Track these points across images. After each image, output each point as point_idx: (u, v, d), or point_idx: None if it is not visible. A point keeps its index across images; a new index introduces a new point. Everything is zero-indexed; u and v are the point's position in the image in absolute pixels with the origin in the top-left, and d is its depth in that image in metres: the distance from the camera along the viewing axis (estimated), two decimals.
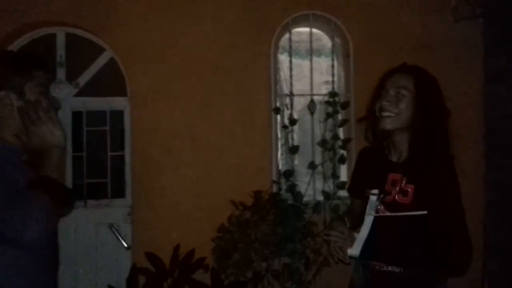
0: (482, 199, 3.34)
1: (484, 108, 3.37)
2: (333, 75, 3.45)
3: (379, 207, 1.62)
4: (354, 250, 1.56)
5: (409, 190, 1.59)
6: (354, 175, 1.89)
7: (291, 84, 3.42)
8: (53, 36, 3.45)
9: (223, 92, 3.35)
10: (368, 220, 1.60)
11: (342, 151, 3.32)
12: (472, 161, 3.34)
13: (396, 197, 1.61)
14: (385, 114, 1.61)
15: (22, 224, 1.22)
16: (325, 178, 3.29)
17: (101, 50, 3.43)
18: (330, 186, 3.28)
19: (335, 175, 3.28)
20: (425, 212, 1.52)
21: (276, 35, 3.38)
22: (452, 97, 3.40)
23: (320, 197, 3.25)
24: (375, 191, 1.64)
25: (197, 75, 3.34)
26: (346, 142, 3.32)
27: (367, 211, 1.63)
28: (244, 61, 3.36)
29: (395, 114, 1.60)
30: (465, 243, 1.52)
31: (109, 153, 3.44)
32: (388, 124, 1.61)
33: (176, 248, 3.03)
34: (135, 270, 2.98)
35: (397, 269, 1.59)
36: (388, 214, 1.60)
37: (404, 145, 1.65)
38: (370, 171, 1.74)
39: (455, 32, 3.41)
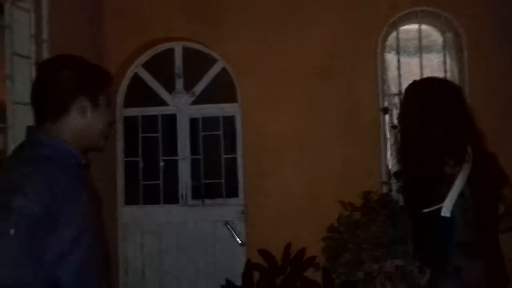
0: None
1: None
2: (445, 71, 3.32)
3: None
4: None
5: None
6: None
7: (399, 83, 3.36)
8: (171, 50, 3.80)
9: (329, 94, 3.41)
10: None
11: None
12: None
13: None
14: None
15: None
16: None
17: (213, 60, 3.69)
18: None
19: None
20: None
21: (382, 34, 3.36)
22: None
23: None
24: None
25: (303, 79, 3.44)
26: None
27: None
28: (350, 63, 3.38)
29: None
30: None
31: (223, 156, 3.70)
32: None
33: (288, 246, 3.17)
34: (250, 266, 3.17)
35: None
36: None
37: None
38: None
39: None
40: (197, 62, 3.78)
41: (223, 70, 3.68)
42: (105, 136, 1.44)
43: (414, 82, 1.89)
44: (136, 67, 3.82)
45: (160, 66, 3.87)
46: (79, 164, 1.35)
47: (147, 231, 3.68)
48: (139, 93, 3.85)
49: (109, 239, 1.58)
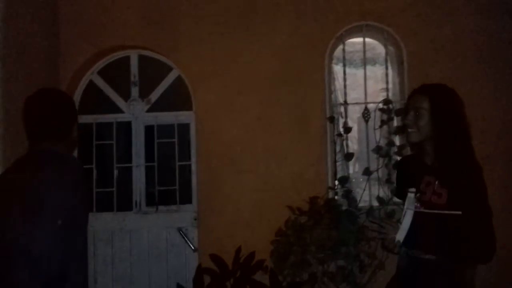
0: None
1: None
2: (387, 82, 3.52)
3: (416, 204, 1.91)
4: (399, 236, 1.90)
5: (442, 193, 1.86)
6: (397, 180, 2.22)
7: (345, 94, 3.53)
8: (127, 58, 3.85)
9: (280, 104, 3.54)
10: (409, 214, 1.92)
11: (397, 157, 3.36)
12: None
13: (432, 198, 1.89)
14: (409, 130, 1.94)
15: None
16: (380, 184, 3.34)
17: (169, 69, 3.77)
18: (385, 192, 3.33)
19: (390, 181, 3.33)
20: (459, 212, 1.82)
21: (330, 47, 3.53)
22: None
23: (376, 203, 3.31)
24: (413, 189, 1.94)
25: (256, 89, 3.57)
26: (401, 149, 3.36)
27: (406, 206, 1.95)
28: (300, 73, 3.53)
29: (417, 130, 1.91)
30: (490, 238, 1.81)
31: (177, 163, 3.76)
32: (411, 138, 1.94)
33: (238, 251, 3.25)
34: (200, 270, 3.23)
35: (433, 257, 1.87)
36: (426, 211, 1.89)
37: (432, 153, 1.94)
38: (408, 173, 2.04)
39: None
40: (152, 70, 3.85)
41: (179, 78, 3.76)
42: None
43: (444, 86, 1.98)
44: (92, 74, 3.85)
45: (116, 73, 3.91)
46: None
47: (100, 239, 3.68)
48: (94, 100, 3.87)
49: None
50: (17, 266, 1.52)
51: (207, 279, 3.22)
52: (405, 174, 2.09)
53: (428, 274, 1.89)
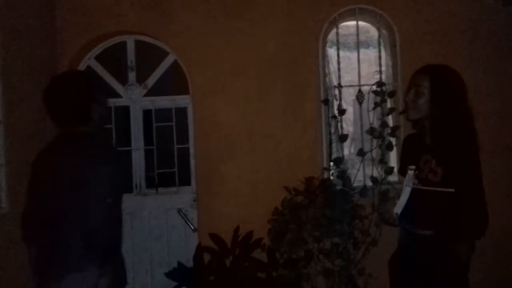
0: None
1: None
2: (380, 65, 3.59)
3: (414, 181, 2.02)
4: (397, 209, 2.05)
5: (438, 171, 1.95)
6: (401, 158, 2.32)
7: (339, 76, 3.61)
8: (124, 44, 3.89)
9: (275, 86, 3.62)
10: (407, 190, 2.03)
11: (390, 138, 3.46)
12: None
13: (428, 175, 1.99)
14: (407, 107, 2.03)
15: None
16: (374, 164, 3.45)
17: (165, 53, 3.82)
18: (379, 172, 3.43)
19: (383, 161, 3.43)
20: (452, 190, 1.92)
21: (323, 30, 3.58)
22: (503, 81, 3.46)
23: (370, 183, 3.42)
24: (412, 167, 2.05)
25: (251, 72, 3.63)
26: (394, 130, 3.44)
27: (405, 183, 2.07)
28: (295, 57, 3.59)
29: (414, 108, 1.98)
30: (483, 214, 1.93)
31: (176, 146, 3.84)
32: (410, 115, 2.02)
33: (236, 230, 3.36)
34: (200, 249, 3.35)
35: (429, 232, 1.98)
36: (422, 187, 1.99)
37: (430, 132, 2.02)
38: (410, 152, 2.17)
39: (504, 17, 3.40)
40: (149, 55, 3.90)
41: (175, 63, 3.81)
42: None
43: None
44: (89, 60, 3.90)
45: (113, 59, 3.95)
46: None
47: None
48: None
49: None
50: (73, 237, 1.75)
51: (207, 258, 3.34)
52: (407, 152, 2.20)
53: (425, 249, 1.98)
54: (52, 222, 1.78)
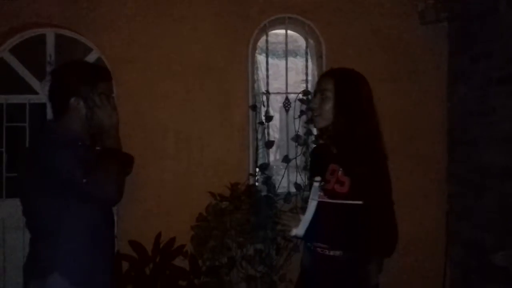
0: (445, 191, 3.58)
1: (448, 106, 3.60)
2: (307, 74, 3.67)
3: (320, 193, 1.79)
4: (299, 230, 1.74)
5: (345, 181, 1.74)
6: (309, 171, 2.13)
7: (267, 83, 3.64)
8: (43, 37, 3.64)
9: (204, 90, 3.56)
10: (312, 205, 1.78)
11: (314, 146, 3.53)
12: (436, 155, 3.59)
13: (335, 187, 1.76)
14: (313, 114, 1.85)
15: (104, 185, 1.64)
16: (298, 171, 3.50)
17: (88, 50, 3.63)
18: (302, 179, 3.49)
19: (307, 168, 3.49)
20: (360, 202, 1.70)
21: (253, 36, 3.59)
22: (418, 95, 3.66)
23: (294, 189, 3.46)
24: (318, 178, 1.83)
25: (179, 74, 3.55)
26: (318, 138, 3.52)
27: (311, 196, 1.82)
28: (224, 61, 3.57)
29: (320, 114, 1.80)
30: (392, 229, 1.69)
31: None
32: (317, 123, 1.84)
33: (158, 236, 3.24)
34: (118, 257, 3.18)
35: (338, 253, 1.75)
36: (329, 200, 1.77)
37: (334, 138, 1.83)
38: (316, 163, 1.97)
39: (422, 35, 3.63)
40: (70, 50, 3.68)
41: (99, 60, 3.63)
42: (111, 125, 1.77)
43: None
44: (3, 52, 3.60)
45: (30, 52, 3.69)
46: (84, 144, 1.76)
47: (9, 227, 3.48)
48: (4, 79, 3.63)
49: None
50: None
51: (125, 266, 3.19)
52: (313, 164, 2.01)
53: (332, 272, 1.76)
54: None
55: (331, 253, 1.76)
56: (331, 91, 1.78)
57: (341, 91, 1.77)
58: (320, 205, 1.78)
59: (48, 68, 3.62)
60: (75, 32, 3.57)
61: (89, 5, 3.48)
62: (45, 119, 3.61)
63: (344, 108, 1.76)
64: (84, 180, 1.60)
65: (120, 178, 1.75)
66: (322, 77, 1.87)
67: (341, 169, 1.77)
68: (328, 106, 1.78)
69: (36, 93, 3.61)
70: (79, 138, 1.75)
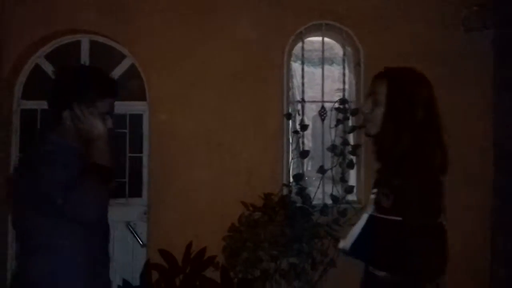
0: (490, 205, 3.38)
1: (493, 117, 3.42)
2: (344, 82, 3.56)
3: (372, 206, 1.63)
4: (345, 243, 1.62)
5: (390, 195, 1.57)
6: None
7: (303, 91, 3.54)
8: (78, 43, 3.65)
9: (237, 98, 3.49)
10: (363, 218, 1.64)
11: (351, 157, 3.41)
12: (481, 167, 3.40)
13: (381, 200, 1.60)
14: (364, 120, 1.67)
15: (83, 206, 1.51)
16: (334, 183, 3.37)
17: (122, 57, 3.61)
18: (339, 190, 3.36)
19: (344, 180, 3.36)
20: (399, 218, 1.52)
21: (289, 44, 3.51)
22: (462, 105, 3.50)
23: (329, 201, 3.34)
24: (374, 190, 1.66)
25: (213, 82, 3.49)
26: (355, 148, 3.40)
27: (366, 209, 1.67)
28: (258, 69, 3.49)
29: (371, 120, 1.63)
30: (438, 250, 1.53)
31: (128, 155, 3.61)
32: (368, 129, 1.65)
33: (189, 246, 3.16)
34: (149, 266, 3.12)
35: (383, 274, 1.57)
36: (377, 215, 1.61)
37: (380, 147, 1.65)
38: (378, 171, 1.74)
39: (465, 42, 3.47)
40: (105, 57, 3.68)
41: (132, 67, 3.61)
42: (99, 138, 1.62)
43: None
44: (38, 58, 3.63)
45: (65, 58, 3.70)
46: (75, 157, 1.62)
47: None
48: (40, 86, 3.64)
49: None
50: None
51: (155, 276, 3.11)
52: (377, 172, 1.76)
53: None
54: None
55: (376, 272, 1.60)
56: (383, 94, 1.59)
57: (394, 94, 1.58)
58: (370, 219, 1.63)
59: None
60: (110, 39, 3.56)
61: (125, 12, 3.47)
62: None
63: (393, 114, 1.57)
64: (60, 201, 1.49)
65: (102, 197, 1.58)
66: (375, 78, 1.67)
67: (387, 181, 1.60)
68: (380, 111, 1.60)
69: None
70: (72, 148, 1.64)
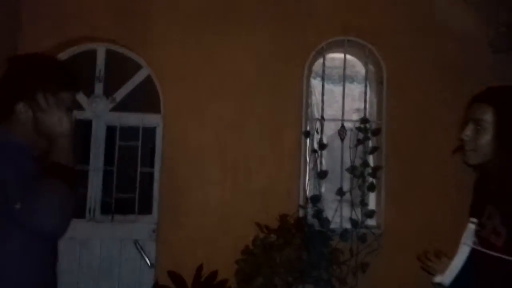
0: None
1: None
2: (365, 101, 3.43)
3: (474, 239, 1.50)
4: (446, 278, 1.52)
5: (502, 232, 1.42)
6: (470, 205, 1.71)
7: (322, 109, 3.41)
8: (94, 52, 3.56)
9: (254, 113, 3.37)
10: (464, 250, 1.52)
11: (371, 179, 3.26)
12: None
13: (490, 236, 1.46)
14: (466, 148, 1.51)
15: (43, 215, 1.29)
16: (353, 206, 3.22)
17: (138, 67, 3.51)
18: (358, 214, 3.21)
19: (363, 203, 3.21)
20: None
21: (310, 59, 3.41)
22: None
23: (347, 225, 3.18)
24: (474, 220, 1.53)
25: (230, 95, 3.38)
26: (376, 170, 3.26)
27: (464, 239, 1.54)
28: (277, 83, 3.38)
29: (474, 149, 1.49)
30: None
31: (139, 169, 3.48)
32: (469, 159, 1.51)
33: (199, 268, 3.02)
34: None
35: None
36: (483, 250, 1.47)
37: (497, 179, 1.49)
38: (475, 198, 1.63)
39: (492, 63, 3.34)
40: (120, 67, 3.58)
41: (148, 78, 3.51)
42: (60, 138, 1.43)
43: None
44: None
45: (80, 67, 3.60)
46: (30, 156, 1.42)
47: None
48: None
49: None
50: None
51: None
52: (474, 198, 1.64)
53: None
54: None
55: None
56: (489, 122, 1.45)
57: (504, 122, 1.44)
58: (473, 253, 1.50)
59: (97, 84, 3.52)
60: (127, 48, 3.47)
61: (143, 22, 3.39)
62: (88, 138, 3.50)
63: (508, 142, 1.44)
64: (18, 206, 1.28)
65: (66, 205, 1.35)
66: (476, 102, 1.51)
67: (499, 215, 1.45)
68: (485, 139, 1.46)
69: (82, 109, 3.51)
70: (24, 148, 1.42)
